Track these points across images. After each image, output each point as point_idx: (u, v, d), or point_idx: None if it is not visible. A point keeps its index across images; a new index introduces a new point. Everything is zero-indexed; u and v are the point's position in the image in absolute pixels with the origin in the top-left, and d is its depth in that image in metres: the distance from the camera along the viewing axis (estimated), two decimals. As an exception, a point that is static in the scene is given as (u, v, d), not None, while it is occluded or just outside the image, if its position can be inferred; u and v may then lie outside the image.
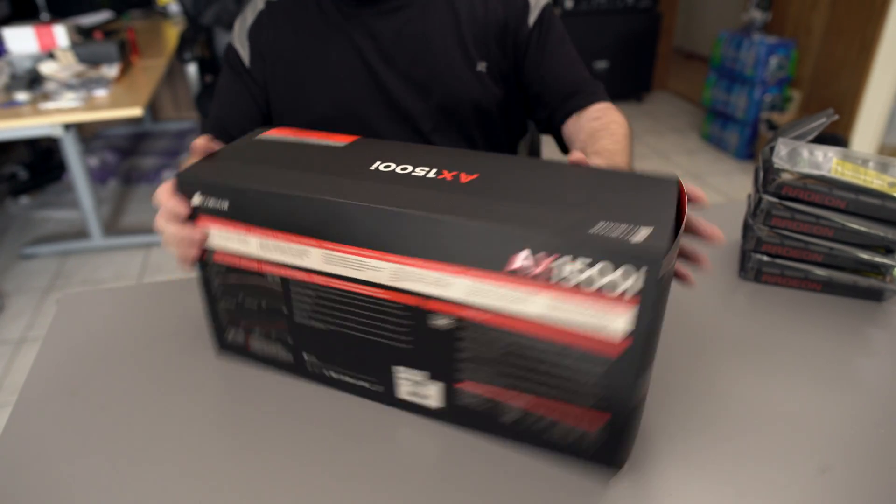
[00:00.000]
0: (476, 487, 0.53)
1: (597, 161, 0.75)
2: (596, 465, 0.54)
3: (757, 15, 3.18)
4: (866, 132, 2.84)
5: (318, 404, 0.62)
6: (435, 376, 0.57)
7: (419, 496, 0.52)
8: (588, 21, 3.71)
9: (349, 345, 0.59)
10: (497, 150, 1.02)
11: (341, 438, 0.58)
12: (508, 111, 1.00)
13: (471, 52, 0.93)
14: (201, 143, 0.65)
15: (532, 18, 0.94)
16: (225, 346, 0.68)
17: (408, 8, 0.93)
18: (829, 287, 0.78)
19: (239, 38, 0.98)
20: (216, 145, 0.66)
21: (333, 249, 0.54)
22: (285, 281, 0.59)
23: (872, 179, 0.72)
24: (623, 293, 0.45)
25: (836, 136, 2.84)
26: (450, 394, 0.57)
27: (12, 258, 2.46)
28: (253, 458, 0.56)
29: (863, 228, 0.73)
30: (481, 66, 0.94)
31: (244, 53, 0.97)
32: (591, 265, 0.45)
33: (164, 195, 0.61)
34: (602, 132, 0.84)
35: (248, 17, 0.99)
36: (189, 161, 0.66)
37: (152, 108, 3.68)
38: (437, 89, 0.94)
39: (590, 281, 0.45)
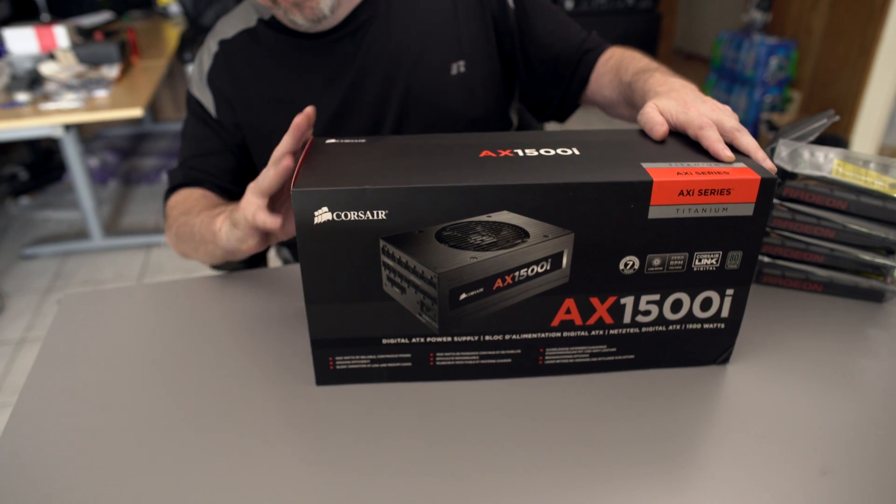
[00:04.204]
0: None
1: (644, 84, 0.76)
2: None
3: (757, 16, 3.18)
4: (866, 133, 2.84)
5: (324, 400, 0.62)
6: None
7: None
8: (588, 22, 3.69)
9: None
10: None
11: (347, 433, 0.58)
12: (492, 118, 0.96)
13: (443, 54, 0.89)
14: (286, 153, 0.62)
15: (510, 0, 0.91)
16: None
17: (372, 23, 0.88)
18: (829, 288, 0.78)
19: (198, 86, 0.93)
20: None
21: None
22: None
23: (873, 181, 0.72)
24: None
25: (836, 137, 2.84)
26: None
27: (13, 259, 2.46)
28: (254, 458, 0.56)
29: (864, 229, 0.73)
30: (457, 68, 0.90)
31: (208, 103, 0.92)
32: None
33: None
34: (624, 63, 0.84)
35: (204, 61, 0.93)
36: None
37: (152, 109, 3.68)
38: (415, 100, 0.90)
39: None
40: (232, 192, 0.93)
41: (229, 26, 0.93)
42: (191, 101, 0.95)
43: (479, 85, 0.92)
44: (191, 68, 0.96)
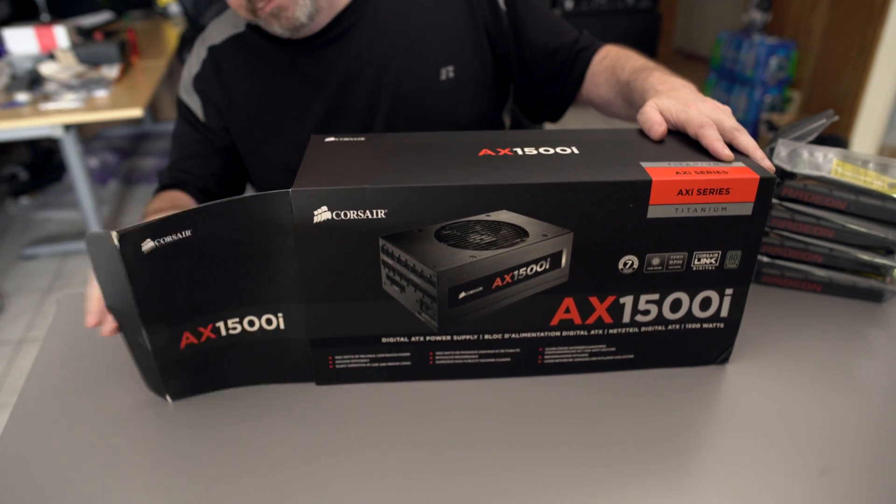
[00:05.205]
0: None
1: (641, 83, 0.75)
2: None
3: (757, 16, 3.18)
4: (866, 133, 2.84)
5: (328, 403, 0.62)
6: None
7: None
8: (588, 22, 3.71)
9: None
10: None
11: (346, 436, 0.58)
12: (484, 122, 0.95)
13: (431, 59, 0.89)
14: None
15: (501, 2, 0.91)
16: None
17: (358, 27, 0.88)
18: (829, 288, 0.78)
19: (186, 90, 0.94)
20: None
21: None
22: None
23: (872, 180, 0.72)
24: None
25: (836, 137, 2.84)
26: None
27: (13, 259, 2.46)
28: (254, 457, 0.56)
29: (863, 229, 0.73)
30: (447, 73, 0.89)
31: (196, 107, 0.93)
32: None
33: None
34: (620, 61, 0.84)
35: (192, 65, 0.93)
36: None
37: (152, 109, 3.68)
38: (404, 105, 0.89)
39: None
40: (215, 194, 0.93)
41: (219, 31, 0.93)
42: (180, 105, 0.95)
43: (469, 89, 0.91)
44: (183, 72, 0.96)
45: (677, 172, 0.56)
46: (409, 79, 0.89)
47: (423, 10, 0.90)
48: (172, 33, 3.00)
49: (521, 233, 0.57)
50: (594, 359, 0.64)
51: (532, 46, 0.92)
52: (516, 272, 0.59)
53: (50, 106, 2.00)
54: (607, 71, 0.86)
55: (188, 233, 0.54)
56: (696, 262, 0.59)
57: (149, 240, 0.53)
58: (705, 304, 0.62)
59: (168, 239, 0.54)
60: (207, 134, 0.93)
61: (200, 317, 0.59)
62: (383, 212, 0.55)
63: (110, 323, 0.59)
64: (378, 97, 0.89)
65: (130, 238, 0.52)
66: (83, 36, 2.54)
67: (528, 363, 0.64)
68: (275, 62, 0.89)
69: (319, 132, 0.89)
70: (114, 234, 0.51)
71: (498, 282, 0.59)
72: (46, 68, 2.23)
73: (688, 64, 4.77)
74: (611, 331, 0.63)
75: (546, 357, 0.64)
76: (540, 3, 0.94)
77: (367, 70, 0.88)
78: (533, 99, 0.97)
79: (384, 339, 0.62)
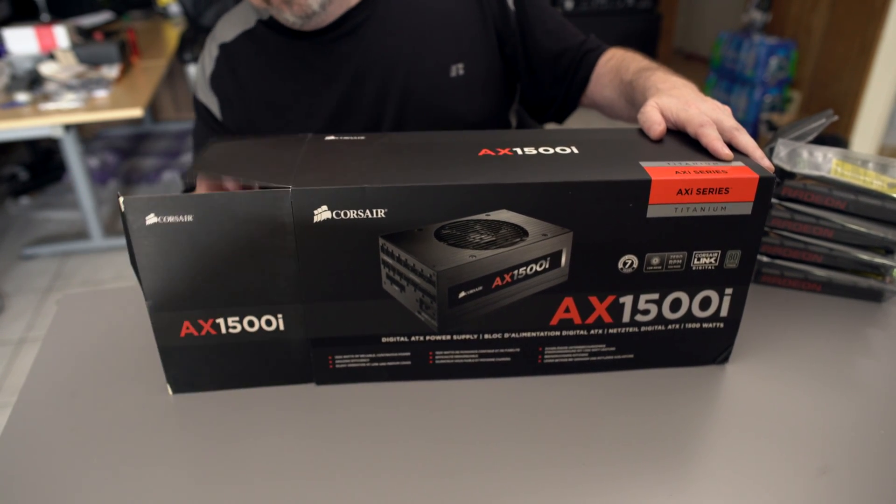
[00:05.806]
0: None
1: (643, 82, 0.76)
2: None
3: (757, 16, 3.18)
4: (866, 133, 2.84)
5: (329, 405, 0.62)
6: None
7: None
8: (588, 22, 3.72)
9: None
10: None
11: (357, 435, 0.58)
12: (492, 120, 0.96)
13: (442, 56, 0.89)
14: None
15: (510, 1, 0.91)
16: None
17: (369, 23, 0.88)
18: (828, 288, 0.78)
19: (202, 90, 0.94)
20: None
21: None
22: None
23: (872, 180, 0.72)
24: None
25: (836, 137, 2.84)
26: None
27: (13, 259, 2.46)
28: (254, 457, 0.56)
29: (862, 229, 0.73)
30: (457, 70, 0.91)
31: (213, 106, 0.93)
32: None
33: None
34: (625, 63, 0.85)
35: (206, 65, 0.94)
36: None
37: (152, 109, 3.68)
38: (413, 102, 0.90)
39: None
40: None
41: (229, 28, 0.93)
42: (198, 106, 0.96)
43: (478, 87, 0.92)
44: (193, 71, 0.96)
45: (677, 172, 0.56)
46: (419, 75, 0.89)
47: (433, 7, 0.90)
48: (172, 33, 3.00)
49: (521, 232, 0.57)
50: (594, 358, 0.65)
51: (538, 47, 0.92)
52: (516, 272, 0.59)
53: (50, 106, 2.00)
54: (612, 72, 0.87)
55: (190, 217, 0.55)
56: (695, 261, 0.59)
57: (153, 214, 0.55)
58: (705, 303, 0.62)
59: (170, 218, 0.55)
60: (223, 134, 0.93)
61: (200, 309, 0.60)
62: (383, 211, 0.55)
63: None
64: (388, 93, 0.89)
65: (136, 207, 0.54)
66: (83, 36, 2.54)
67: (527, 363, 0.64)
68: (286, 56, 0.90)
69: (329, 126, 0.90)
70: (121, 200, 0.54)
71: (498, 281, 0.59)
72: (46, 68, 2.24)
73: (688, 64, 4.77)
74: (610, 330, 0.63)
75: (546, 357, 0.64)
76: (547, 4, 0.94)
77: (378, 66, 0.89)
78: (538, 100, 0.98)
79: (384, 339, 0.62)
